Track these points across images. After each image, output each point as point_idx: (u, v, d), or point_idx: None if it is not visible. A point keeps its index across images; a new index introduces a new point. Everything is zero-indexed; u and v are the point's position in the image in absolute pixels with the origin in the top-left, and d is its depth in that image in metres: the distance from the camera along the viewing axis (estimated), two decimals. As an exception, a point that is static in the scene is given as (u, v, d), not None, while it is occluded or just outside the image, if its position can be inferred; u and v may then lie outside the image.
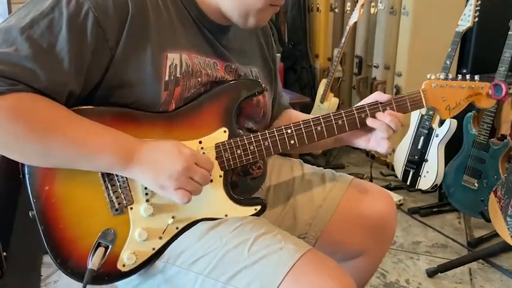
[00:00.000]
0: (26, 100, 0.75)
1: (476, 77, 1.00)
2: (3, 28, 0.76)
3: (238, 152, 0.90)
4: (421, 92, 0.98)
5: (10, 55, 0.74)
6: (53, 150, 0.78)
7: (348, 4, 3.10)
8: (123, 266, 0.87)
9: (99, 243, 0.85)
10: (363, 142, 1.01)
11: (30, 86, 0.75)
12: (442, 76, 0.99)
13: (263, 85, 0.95)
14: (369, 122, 0.95)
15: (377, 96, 0.97)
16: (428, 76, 0.99)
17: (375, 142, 0.98)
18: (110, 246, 0.85)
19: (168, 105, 0.86)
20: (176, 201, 0.82)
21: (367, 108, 0.95)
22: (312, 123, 0.93)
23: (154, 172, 0.81)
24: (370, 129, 0.98)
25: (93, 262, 0.83)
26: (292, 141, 0.93)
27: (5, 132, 0.75)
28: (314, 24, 3.27)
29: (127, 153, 0.81)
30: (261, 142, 0.91)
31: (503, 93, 0.98)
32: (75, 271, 0.86)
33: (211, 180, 0.89)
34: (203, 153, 0.89)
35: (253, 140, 0.91)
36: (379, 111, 0.95)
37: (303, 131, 0.93)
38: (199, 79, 0.90)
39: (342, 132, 0.95)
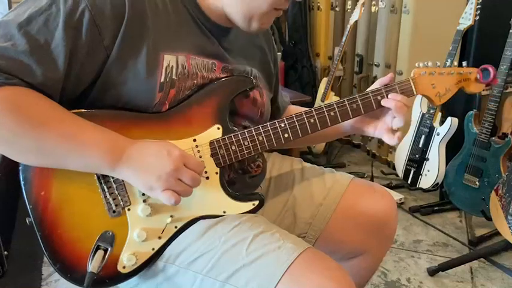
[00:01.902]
0: (20, 94, 0.75)
1: (464, 63, 1.00)
2: (1, 23, 0.77)
3: (233, 148, 0.90)
4: (411, 80, 0.98)
5: (7, 49, 0.74)
6: (44, 146, 0.77)
7: (349, 3, 3.10)
8: (124, 267, 0.87)
9: (98, 246, 0.84)
10: (370, 129, 1.02)
11: (25, 81, 0.75)
12: (430, 64, 1.00)
13: (254, 81, 0.95)
14: (384, 102, 0.95)
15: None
16: (416, 65, 1.00)
17: (382, 130, 0.99)
18: (109, 249, 0.85)
19: (161, 107, 0.86)
20: (164, 203, 0.81)
21: (358, 99, 0.96)
22: (304, 116, 0.93)
23: (143, 173, 0.80)
24: (377, 117, 0.99)
25: (93, 265, 0.82)
26: (286, 135, 0.92)
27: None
28: (315, 23, 3.27)
29: (117, 153, 0.80)
30: (255, 137, 0.91)
31: (491, 76, 0.98)
32: (74, 276, 0.86)
33: (208, 178, 0.89)
34: (198, 151, 0.89)
35: (247, 135, 0.91)
36: (370, 100, 0.96)
37: (296, 124, 0.93)
38: (195, 81, 0.90)
39: (335, 123, 0.95)
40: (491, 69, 0.98)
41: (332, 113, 0.94)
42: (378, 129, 1.01)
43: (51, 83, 0.78)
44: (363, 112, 0.96)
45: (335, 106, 0.94)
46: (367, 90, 0.98)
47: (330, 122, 0.94)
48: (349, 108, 0.95)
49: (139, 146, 0.82)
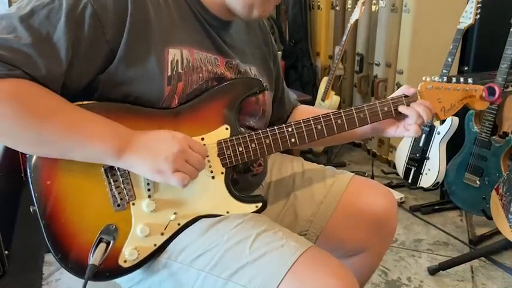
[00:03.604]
0: (24, 86, 0.75)
1: (470, 80, 1.02)
2: (4, 15, 0.77)
3: (240, 149, 0.91)
4: (418, 94, 0.99)
5: (10, 41, 0.74)
6: (47, 137, 0.77)
7: (349, 2, 3.10)
8: (125, 261, 0.87)
9: (101, 238, 0.85)
10: (391, 130, 1.03)
11: (27, 73, 0.75)
12: (436, 78, 1.01)
13: (264, 84, 0.95)
14: (401, 109, 0.98)
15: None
16: (423, 78, 1.01)
17: (403, 128, 1.01)
18: (112, 242, 0.85)
19: (170, 101, 0.87)
20: (175, 185, 0.82)
21: (365, 108, 0.97)
22: (312, 122, 0.94)
23: (150, 157, 0.80)
24: (398, 119, 1.01)
25: (95, 257, 0.83)
26: (293, 139, 0.93)
27: (1, 116, 0.74)
28: (315, 22, 3.27)
29: (121, 143, 0.80)
30: (262, 140, 0.92)
31: (497, 95, 0.99)
32: (75, 267, 0.86)
33: (213, 177, 0.89)
34: None
35: (254, 137, 0.91)
36: (377, 110, 0.97)
37: (304, 129, 0.94)
38: (201, 75, 0.90)
39: (342, 131, 0.96)
40: (496, 88, 0.99)
41: (339, 121, 0.95)
42: (399, 129, 1.02)
43: (53, 76, 0.78)
44: (369, 122, 0.98)
45: (342, 114, 0.95)
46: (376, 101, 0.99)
47: (337, 129, 0.95)
48: (356, 117, 0.96)
49: (144, 134, 0.82)
